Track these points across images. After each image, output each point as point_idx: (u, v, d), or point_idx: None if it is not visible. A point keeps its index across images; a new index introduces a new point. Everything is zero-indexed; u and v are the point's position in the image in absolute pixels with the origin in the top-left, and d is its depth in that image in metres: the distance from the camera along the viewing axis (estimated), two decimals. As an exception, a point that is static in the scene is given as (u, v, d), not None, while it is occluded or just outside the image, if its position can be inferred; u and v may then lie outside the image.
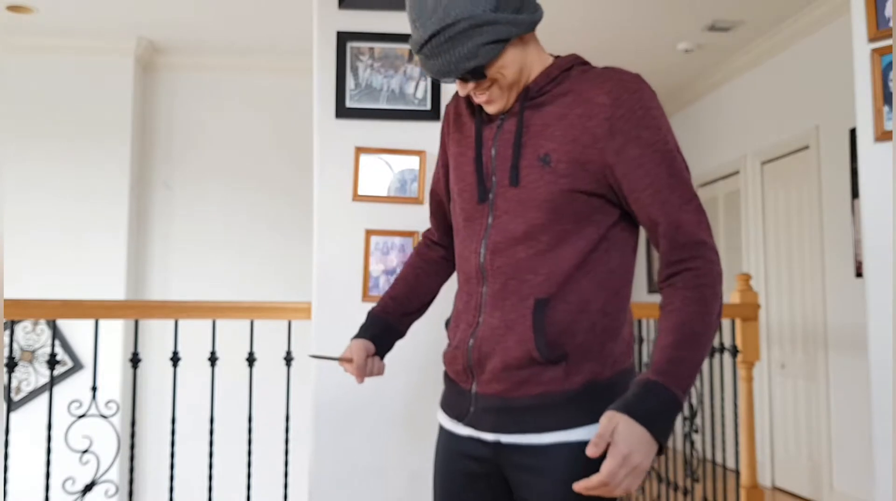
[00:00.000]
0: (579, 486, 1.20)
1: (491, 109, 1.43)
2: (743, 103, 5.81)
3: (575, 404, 1.33)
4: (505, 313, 1.38)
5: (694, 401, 3.67)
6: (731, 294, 3.67)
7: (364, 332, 1.62)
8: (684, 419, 3.68)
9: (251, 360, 2.95)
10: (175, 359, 2.90)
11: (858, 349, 4.42)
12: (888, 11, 2.38)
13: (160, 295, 5.48)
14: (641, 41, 5.38)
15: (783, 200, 5.31)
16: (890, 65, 2.38)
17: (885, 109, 2.39)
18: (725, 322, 3.74)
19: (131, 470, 2.90)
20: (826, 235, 4.76)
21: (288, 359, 2.96)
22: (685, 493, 3.75)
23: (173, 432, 2.98)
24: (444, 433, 1.51)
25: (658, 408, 1.22)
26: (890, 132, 2.37)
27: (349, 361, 1.57)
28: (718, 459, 5.62)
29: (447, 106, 1.60)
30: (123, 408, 5.09)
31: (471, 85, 1.39)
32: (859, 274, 4.42)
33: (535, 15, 1.38)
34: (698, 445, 5.40)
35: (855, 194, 4.49)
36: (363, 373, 1.58)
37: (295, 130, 5.48)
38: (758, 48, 5.43)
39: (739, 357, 3.57)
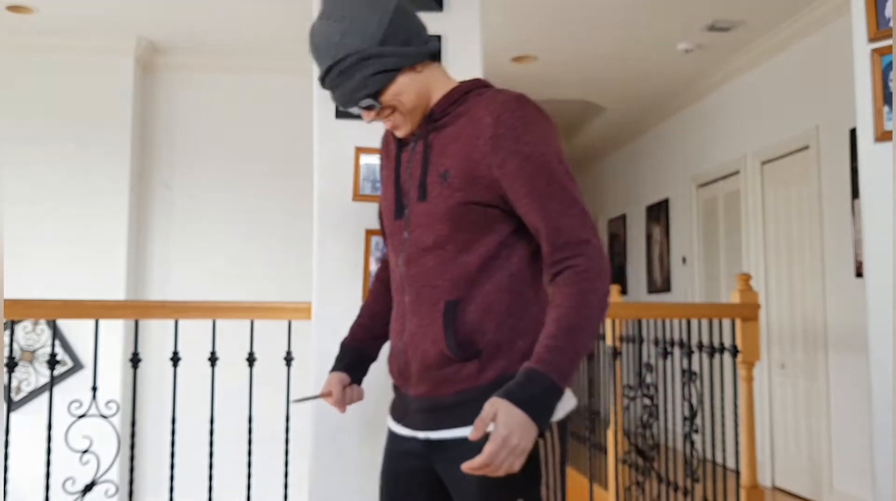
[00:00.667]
0: (465, 466, 1.31)
1: (399, 134, 1.58)
2: (743, 103, 5.81)
3: (489, 397, 1.39)
4: (421, 318, 1.52)
5: (694, 401, 3.67)
6: (731, 294, 3.67)
7: (338, 364, 1.77)
8: (684, 419, 3.68)
9: (251, 360, 2.95)
10: (175, 359, 2.90)
11: (858, 349, 4.42)
12: (888, 11, 2.38)
13: (160, 295, 5.48)
14: (641, 41, 5.38)
15: (783, 200, 5.31)
16: (890, 65, 2.38)
17: (885, 109, 2.39)
18: (726, 322, 3.74)
19: (131, 470, 2.90)
20: (826, 235, 4.76)
21: (288, 359, 2.96)
22: (685, 493, 3.75)
23: (173, 432, 2.98)
24: (389, 435, 1.65)
25: (537, 394, 1.34)
26: (890, 132, 2.37)
27: (329, 395, 1.71)
28: (718, 459, 5.62)
29: (383, 136, 1.76)
30: (123, 408, 5.09)
31: (373, 113, 1.54)
32: (859, 274, 4.42)
33: (425, 47, 1.54)
34: (698, 445, 5.40)
35: (855, 194, 4.49)
36: (343, 403, 1.72)
37: (295, 130, 5.47)
38: (758, 48, 5.43)
39: (739, 357, 3.56)
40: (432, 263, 1.51)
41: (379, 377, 2.31)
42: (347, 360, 1.77)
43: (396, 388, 1.65)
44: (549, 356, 1.36)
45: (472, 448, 1.38)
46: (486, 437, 1.33)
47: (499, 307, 1.48)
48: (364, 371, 1.78)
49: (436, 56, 1.57)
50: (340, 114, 2.61)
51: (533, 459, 1.42)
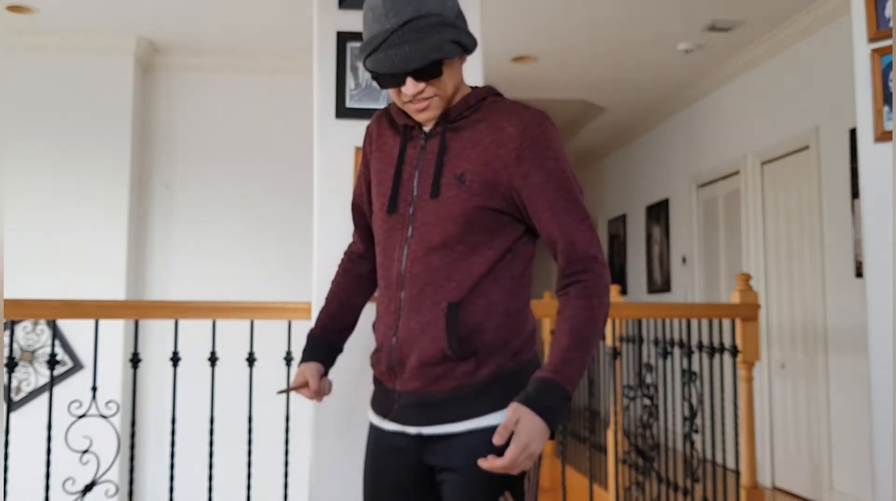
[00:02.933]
0: (485, 464, 1.39)
1: (423, 118, 1.55)
2: (743, 103, 5.81)
3: (484, 394, 1.51)
4: (421, 315, 1.53)
5: (694, 401, 3.67)
6: (731, 294, 3.67)
7: (311, 355, 1.76)
8: (684, 419, 3.68)
9: (251, 360, 2.95)
10: (175, 359, 2.90)
11: (858, 349, 4.42)
12: (888, 11, 2.38)
13: (160, 295, 5.48)
14: (641, 41, 5.38)
15: (783, 200, 5.31)
16: (890, 65, 2.38)
17: (885, 109, 2.39)
18: (726, 322, 3.74)
19: (131, 470, 2.90)
20: (826, 235, 4.76)
21: (288, 359, 2.97)
22: (685, 493, 3.75)
23: (173, 432, 2.98)
24: (372, 430, 1.66)
25: (554, 403, 1.43)
26: (890, 132, 2.37)
27: (305, 386, 1.72)
28: (718, 459, 5.62)
29: (368, 126, 1.73)
30: (123, 408, 5.09)
31: (421, 85, 1.48)
32: (859, 274, 4.42)
33: (475, 44, 1.55)
34: (698, 445, 5.40)
35: (855, 194, 4.49)
36: (321, 394, 1.74)
37: (295, 130, 5.47)
38: (758, 48, 5.43)
39: (739, 357, 3.56)
40: (438, 262, 1.53)
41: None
42: (321, 352, 1.76)
43: (379, 382, 1.65)
44: (564, 368, 1.45)
45: (468, 441, 1.49)
46: (508, 441, 1.43)
47: (498, 308, 1.54)
48: (332, 363, 1.79)
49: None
50: (340, 114, 2.61)
51: None
